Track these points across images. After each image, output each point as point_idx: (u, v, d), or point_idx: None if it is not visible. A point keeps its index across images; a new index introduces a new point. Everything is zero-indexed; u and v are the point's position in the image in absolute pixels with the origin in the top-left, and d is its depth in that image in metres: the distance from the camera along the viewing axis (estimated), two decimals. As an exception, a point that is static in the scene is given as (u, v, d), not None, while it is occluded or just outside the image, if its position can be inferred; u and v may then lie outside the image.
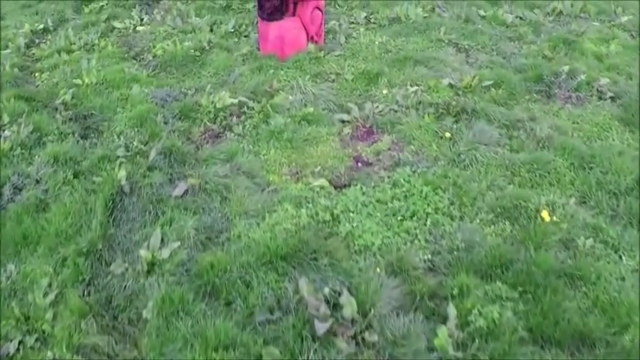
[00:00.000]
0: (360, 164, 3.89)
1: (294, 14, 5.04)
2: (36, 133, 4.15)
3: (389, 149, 3.98)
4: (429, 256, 3.07)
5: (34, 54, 5.74)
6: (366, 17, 5.82)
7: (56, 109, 4.56)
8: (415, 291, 2.84)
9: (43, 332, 2.72)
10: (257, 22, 5.20)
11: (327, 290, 2.72)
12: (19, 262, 3.14)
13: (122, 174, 3.55)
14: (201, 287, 2.88)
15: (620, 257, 3.07)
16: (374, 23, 5.75)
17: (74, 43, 5.69)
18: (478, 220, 3.32)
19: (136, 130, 4.18)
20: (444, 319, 2.64)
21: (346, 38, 5.38)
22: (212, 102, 4.33)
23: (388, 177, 3.64)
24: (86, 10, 6.68)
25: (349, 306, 2.62)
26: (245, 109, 4.30)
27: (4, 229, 3.34)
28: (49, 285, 2.95)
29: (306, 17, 5.02)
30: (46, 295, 2.87)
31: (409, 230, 3.23)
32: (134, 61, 5.27)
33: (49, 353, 2.61)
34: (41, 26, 6.30)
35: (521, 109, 4.41)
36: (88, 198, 3.47)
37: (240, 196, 3.49)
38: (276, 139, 4.00)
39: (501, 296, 2.80)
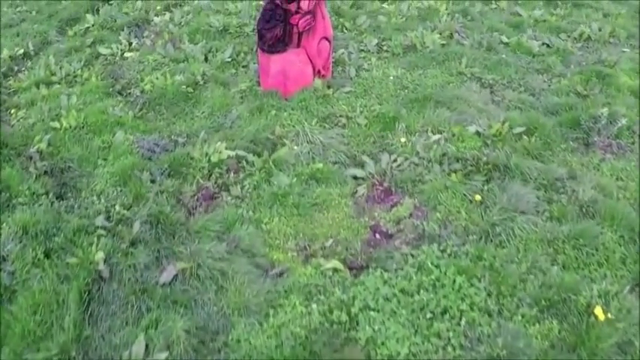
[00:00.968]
0: (378, 235, 3.36)
1: (298, 46, 4.49)
2: (5, 193, 3.61)
3: (411, 215, 3.46)
4: (467, 372, 2.57)
5: (10, 85, 5.18)
6: (377, 44, 5.27)
7: (30, 157, 4.00)
8: None
9: None
10: (257, 51, 4.65)
11: None
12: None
13: (100, 256, 3.02)
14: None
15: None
16: (386, 51, 5.20)
17: (55, 74, 5.13)
18: (520, 317, 2.80)
19: (118, 189, 3.64)
20: None
21: (357, 71, 4.83)
22: (206, 154, 3.79)
23: (412, 255, 3.11)
24: (70, 32, 6.10)
25: None
26: (244, 163, 3.77)
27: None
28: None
29: (312, 49, 4.47)
30: None
31: (441, 333, 2.71)
32: (119, 98, 4.71)
33: None
34: (21, 51, 5.72)
35: (558, 161, 3.89)
36: (60, 286, 2.93)
37: (240, 284, 2.95)
38: (280, 203, 3.47)
39: None
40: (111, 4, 6.85)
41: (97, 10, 6.69)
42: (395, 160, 3.84)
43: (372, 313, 2.77)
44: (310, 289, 2.92)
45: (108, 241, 3.21)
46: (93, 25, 6.16)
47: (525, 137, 4.03)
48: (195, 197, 3.63)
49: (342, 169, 3.79)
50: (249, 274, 3.02)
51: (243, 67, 5.04)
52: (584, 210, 3.46)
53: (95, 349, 2.70)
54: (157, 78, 4.78)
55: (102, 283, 2.97)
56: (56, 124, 4.25)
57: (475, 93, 4.58)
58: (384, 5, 6.18)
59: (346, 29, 5.64)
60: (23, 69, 5.48)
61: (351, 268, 3.11)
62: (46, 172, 3.88)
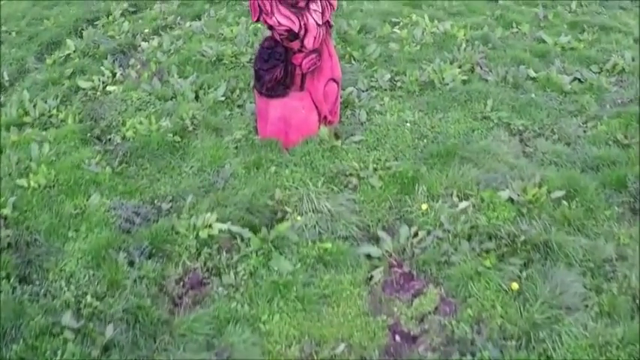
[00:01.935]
0: (398, 338, 2.81)
1: (301, 89, 3.93)
2: (-43, 278, 3.07)
3: (436, 310, 2.91)
4: None
5: (-22, 125, 4.63)
6: (390, 80, 4.69)
7: (-8, 225, 3.47)
8: None
9: None
10: (253, 89, 4.08)
11: None
12: None
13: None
14: None
15: None
16: (401, 88, 4.62)
17: (28, 113, 4.55)
18: None
19: (90, 272, 3.09)
20: None
21: (368, 114, 4.26)
22: (194, 227, 3.24)
23: (441, 371, 2.58)
24: (49, 60, 5.51)
25: None
26: (238, 240, 3.21)
27: None
28: None
29: (318, 93, 3.90)
30: None
31: None
32: (97, 146, 4.14)
33: None
34: (-6, 80, 5.19)
35: (603, 233, 3.32)
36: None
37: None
38: (282, 295, 2.91)
39: None
40: (95, 26, 6.28)
41: (81, 32, 6.13)
42: (416, 235, 3.28)
43: None
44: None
45: (76, 347, 2.67)
46: (74, 52, 5.57)
47: (565, 202, 3.48)
48: (181, 283, 3.07)
49: (354, 247, 3.24)
50: (243, 402, 2.49)
51: (238, 107, 4.46)
52: (637, 302, 2.92)
53: None
54: (141, 122, 4.20)
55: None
56: (24, 182, 3.69)
57: (504, 143, 4.02)
58: (395, 30, 5.60)
59: (354, 60, 5.06)
60: (-6, 105, 4.93)
61: (367, 388, 2.58)
62: (9, 245, 3.32)
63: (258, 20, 3.68)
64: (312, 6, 3.59)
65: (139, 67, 5.16)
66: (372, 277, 3.07)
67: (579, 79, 4.87)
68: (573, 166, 3.87)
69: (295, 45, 3.73)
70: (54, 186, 3.71)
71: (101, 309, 2.87)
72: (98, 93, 4.87)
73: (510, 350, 2.67)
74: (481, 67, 4.88)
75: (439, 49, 5.28)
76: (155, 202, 3.57)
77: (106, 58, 5.36)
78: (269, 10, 3.58)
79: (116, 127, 4.33)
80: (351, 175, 3.68)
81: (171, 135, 4.03)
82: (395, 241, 3.26)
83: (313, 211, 3.40)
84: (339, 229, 3.31)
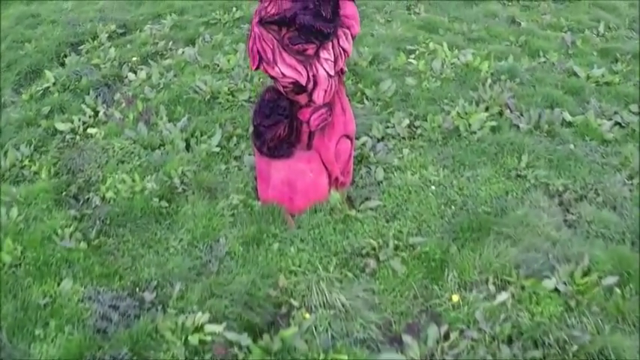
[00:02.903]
0: None
1: (309, 147, 3.38)
2: None
3: None
4: None
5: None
6: (409, 126, 4.14)
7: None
8: None
9: None
10: (252, 144, 3.53)
11: None
12: None
13: None
14: None
15: None
16: (421, 136, 4.06)
17: (-3, 163, 4.04)
18: None
19: (57, 391, 2.57)
20: None
21: (385, 170, 3.71)
22: (182, 328, 2.70)
23: None
24: (25, 95, 4.94)
25: None
26: (235, 349, 2.68)
27: None
28: None
29: (328, 153, 3.35)
30: None
31: None
32: (73, 209, 3.58)
33: None
34: (-37, 121, 4.63)
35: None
36: None
37: None
38: None
39: None
40: (79, 52, 5.72)
41: (64, 59, 5.57)
42: (446, 336, 2.75)
43: None
44: None
45: None
46: (54, 84, 5.00)
47: (618, 290, 2.94)
48: (166, 405, 2.56)
49: (374, 353, 2.71)
50: None
51: (235, 159, 3.90)
52: None
53: None
54: (123, 180, 3.65)
55: None
56: (-16, 260, 3.16)
57: (543, 210, 3.46)
58: (411, 60, 5.03)
59: (367, 98, 4.50)
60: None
61: None
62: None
63: (257, 68, 3.13)
64: (323, 54, 3.03)
65: (123, 105, 4.59)
66: (396, 398, 2.55)
67: (619, 123, 4.33)
68: (622, 238, 3.32)
69: (302, 99, 3.18)
70: (20, 264, 3.17)
71: None
72: (77, 137, 4.31)
73: None
74: (511, 110, 4.32)
75: (461, 85, 4.72)
76: (137, 290, 3.02)
77: (89, 93, 4.80)
78: (271, 59, 3.02)
79: (95, 185, 3.78)
80: (368, 255, 3.13)
81: (157, 199, 3.48)
82: (422, 344, 2.72)
83: (324, 305, 2.86)
84: (355, 331, 2.77)
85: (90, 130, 4.37)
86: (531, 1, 6.85)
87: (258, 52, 3.02)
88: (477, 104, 4.35)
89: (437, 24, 5.84)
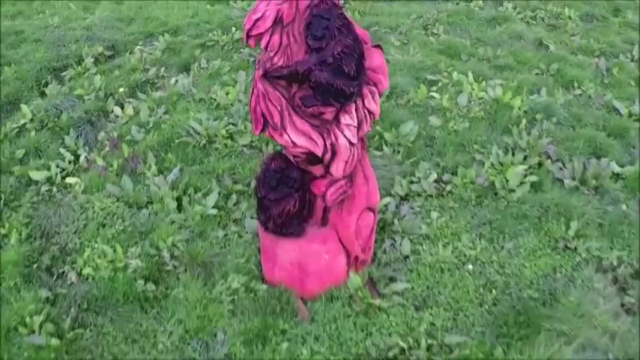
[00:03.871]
0: None
1: (324, 223, 2.81)
2: None
3: None
4: None
5: None
6: (437, 181, 3.58)
7: None
8: None
9: None
10: (256, 203, 2.97)
11: None
12: None
13: None
14: None
15: None
16: (451, 194, 3.49)
17: (-40, 224, 3.48)
18: None
19: None
20: None
21: (412, 241, 3.16)
22: None
23: None
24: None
25: None
26: None
27: None
28: None
29: (347, 230, 2.78)
30: None
31: None
32: (45, 286, 3.01)
33: None
34: None
35: None
36: None
37: None
38: None
39: None
40: (62, 79, 5.14)
41: (45, 87, 4.99)
42: None
43: None
44: None
45: None
46: (32, 120, 4.43)
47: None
48: None
49: None
50: None
51: (235, 223, 3.34)
52: None
53: None
54: (104, 253, 3.09)
55: None
56: None
57: (598, 293, 2.90)
58: (433, 93, 4.47)
59: (386, 143, 3.94)
60: None
61: None
62: None
63: (262, 132, 2.56)
64: (344, 119, 2.46)
65: (107, 149, 4.02)
66: None
67: (675, 174, 3.78)
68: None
69: (317, 170, 2.62)
70: (-24, 369, 2.63)
71: None
72: (54, 189, 3.74)
73: None
74: (551, 160, 3.76)
75: (492, 125, 4.16)
76: (115, 408, 2.48)
77: (69, 133, 4.24)
78: (278, 123, 2.46)
79: (72, 254, 3.22)
80: (396, 359, 2.59)
81: (142, 281, 2.92)
82: None
83: None
84: None
85: (69, 180, 3.80)
86: (557, 19, 6.31)
87: (263, 114, 2.46)
88: (513, 152, 3.79)
89: (458, 48, 5.28)
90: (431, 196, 3.50)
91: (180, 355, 2.67)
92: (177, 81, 4.81)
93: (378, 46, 2.56)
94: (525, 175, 3.58)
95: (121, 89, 4.73)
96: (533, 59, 5.21)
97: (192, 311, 2.82)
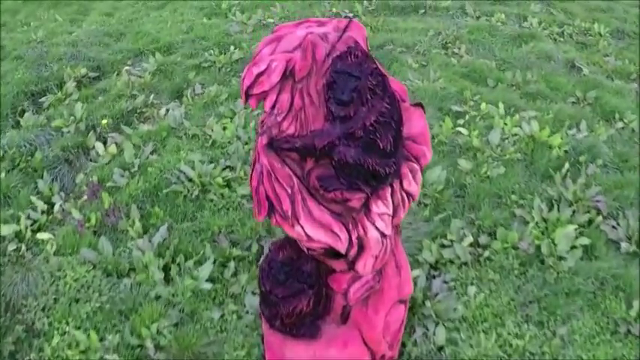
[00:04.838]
0: None
1: (344, 319, 2.26)
2: None
3: None
4: None
5: None
6: (472, 244, 3.04)
7: None
8: None
9: None
10: (260, 294, 2.43)
11: None
12: None
13: None
14: None
15: None
16: (490, 261, 2.93)
17: None
18: None
19: None
20: None
21: (446, 328, 2.60)
22: None
23: None
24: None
25: None
26: None
27: None
28: None
29: (374, 330, 2.20)
30: None
31: None
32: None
33: None
34: None
35: None
36: None
37: None
38: None
39: None
40: (40, 106, 4.59)
41: (20, 116, 4.44)
42: None
43: None
44: None
45: None
46: (2, 159, 3.89)
47: None
48: None
49: None
50: None
51: (232, 299, 2.78)
52: None
53: None
54: (76, 340, 2.55)
55: None
56: None
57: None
58: (460, 129, 3.92)
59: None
60: None
61: None
62: None
63: (267, 217, 2.01)
64: (377, 207, 1.88)
65: (85, 197, 3.48)
66: None
67: None
68: None
69: (338, 265, 2.07)
70: None
71: None
72: (24, 247, 3.20)
73: None
74: (603, 215, 3.22)
75: (530, 169, 3.60)
76: None
77: (42, 176, 3.70)
78: (288, 211, 1.88)
79: (39, 337, 2.67)
80: None
81: (120, 386, 2.40)
82: None
83: None
84: None
85: (40, 235, 3.25)
86: (586, 35, 5.77)
87: (268, 197, 1.91)
88: (558, 206, 3.24)
89: (484, 71, 4.72)
90: (466, 264, 2.95)
91: None
92: (167, 111, 4.26)
93: (418, 106, 2.00)
94: (576, 237, 3.03)
95: (104, 121, 4.17)
96: (566, 85, 4.66)
97: None
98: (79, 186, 3.66)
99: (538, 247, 2.99)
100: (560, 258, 2.94)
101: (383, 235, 1.94)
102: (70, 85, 4.74)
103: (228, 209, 3.31)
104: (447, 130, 3.90)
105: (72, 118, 4.25)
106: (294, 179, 1.88)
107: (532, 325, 2.66)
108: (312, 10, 6.15)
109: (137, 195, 3.40)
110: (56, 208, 3.48)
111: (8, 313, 2.88)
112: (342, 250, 1.92)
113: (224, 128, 3.92)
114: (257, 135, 1.91)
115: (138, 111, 4.35)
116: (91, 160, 3.89)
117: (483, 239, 3.06)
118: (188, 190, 3.38)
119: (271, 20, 5.88)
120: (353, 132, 1.77)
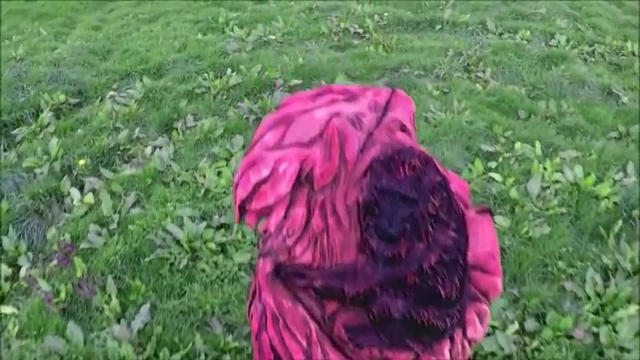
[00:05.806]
0: None
1: None
2: None
3: None
4: None
5: None
6: (520, 333, 2.50)
7: None
8: None
9: None
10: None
11: None
12: None
13: None
14: None
15: None
16: (538, 351, 2.39)
17: None
18: None
19: None
20: None
21: None
22: None
23: None
24: None
25: None
26: None
27: None
28: None
29: None
30: None
31: None
32: None
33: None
34: None
35: None
36: None
37: None
38: None
39: None
40: (12, 141, 4.05)
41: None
42: None
43: None
44: None
45: None
46: (-40, 208, 3.38)
47: None
48: None
49: None
50: None
51: (230, 405, 2.31)
52: None
53: None
54: None
55: None
56: None
57: None
58: (493, 174, 3.36)
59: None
60: None
61: None
62: None
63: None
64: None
65: (55, 262, 2.95)
66: None
67: None
68: None
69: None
70: None
71: None
72: (-20, 325, 2.70)
73: None
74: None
75: (576, 225, 3.07)
76: None
77: (8, 232, 3.17)
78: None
79: None
80: None
81: None
82: None
83: None
84: None
85: (4, 309, 2.74)
86: (619, 55, 5.24)
87: (273, 347, 1.37)
88: (614, 274, 2.73)
89: (514, 101, 4.18)
90: (510, 357, 2.44)
91: None
92: (154, 150, 3.72)
93: (486, 212, 1.44)
94: (637, 320, 2.52)
95: (82, 161, 3.64)
96: (607, 117, 4.13)
97: None
98: (50, 243, 3.12)
99: (596, 336, 2.47)
100: (623, 349, 2.42)
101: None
102: (47, 115, 4.21)
103: (222, 281, 2.77)
104: (477, 175, 3.37)
105: (46, 157, 3.71)
106: (312, 325, 1.32)
107: None
108: (317, 25, 5.61)
109: (115, 262, 2.86)
110: (22, 273, 2.94)
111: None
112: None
113: (218, 174, 3.39)
114: (257, 255, 1.37)
115: (121, 148, 3.81)
116: (64, 211, 3.36)
117: (530, 324, 2.53)
118: (175, 258, 2.85)
119: (272, 37, 5.34)
120: (404, 278, 1.21)
